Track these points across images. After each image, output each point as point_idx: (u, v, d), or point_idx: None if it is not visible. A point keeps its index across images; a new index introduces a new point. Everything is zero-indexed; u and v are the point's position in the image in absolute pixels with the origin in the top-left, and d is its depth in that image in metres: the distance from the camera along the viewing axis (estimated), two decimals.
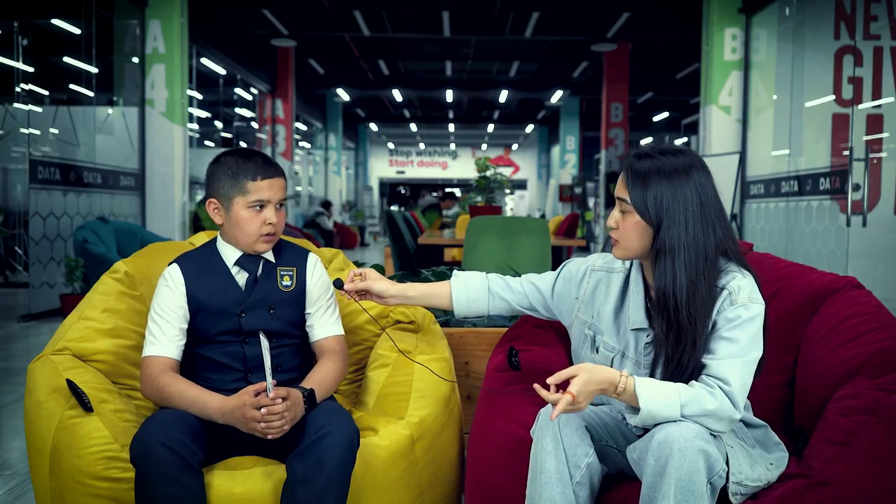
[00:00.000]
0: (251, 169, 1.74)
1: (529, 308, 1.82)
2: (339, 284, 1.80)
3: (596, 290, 1.69)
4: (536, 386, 1.42)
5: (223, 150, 1.86)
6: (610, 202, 11.04)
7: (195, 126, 11.32)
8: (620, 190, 1.53)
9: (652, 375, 1.53)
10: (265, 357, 1.53)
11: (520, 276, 1.87)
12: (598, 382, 1.41)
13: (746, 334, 1.45)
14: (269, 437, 1.54)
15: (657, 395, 1.40)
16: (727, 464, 1.41)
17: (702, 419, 1.39)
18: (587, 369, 1.41)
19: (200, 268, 1.80)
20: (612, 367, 1.62)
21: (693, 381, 1.44)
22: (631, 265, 1.65)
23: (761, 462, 1.51)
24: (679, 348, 1.47)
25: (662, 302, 1.48)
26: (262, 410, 1.51)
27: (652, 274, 1.54)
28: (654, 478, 1.35)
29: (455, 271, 1.88)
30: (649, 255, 1.53)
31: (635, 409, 1.42)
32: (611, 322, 1.63)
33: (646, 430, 1.54)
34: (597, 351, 1.65)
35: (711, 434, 1.39)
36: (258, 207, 1.74)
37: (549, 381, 1.42)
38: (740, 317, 1.45)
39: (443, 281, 1.88)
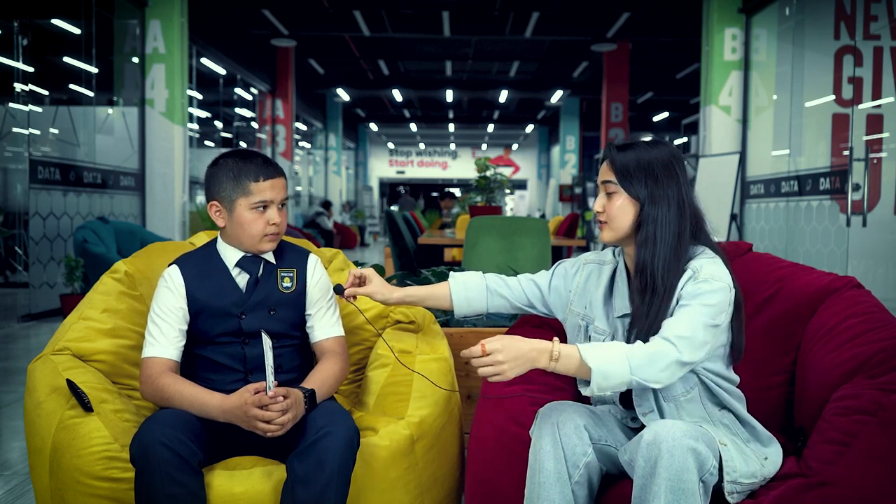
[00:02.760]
0: (252, 170, 1.74)
1: (527, 304, 1.84)
2: (339, 290, 1.82)
3: (588, 281, 1.74)
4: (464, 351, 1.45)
5: (223, 150, 1.86)
6: None
7: (195, 126, 11.31)
8: (605, 174, 1.61)
9: None
10: (267, 356, 1.54)
11: (518, 276, 1.89)
12: (521, 349, 1.41)
13: (701, 301, 1.49)
14: (269, 435, 1.54)
15: (601, 353, 1.42)
16: (720, 463, 1.42)
17: (647, 367, 1.41)
18: (512, 337, 1.43)
19: (200, 269, 1.79)
20: None
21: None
22: (619, 258, 1.70)
23: (755, 457, 1.51)
24: (651, 308, 1.53)
25: (641, 270, 1.56)
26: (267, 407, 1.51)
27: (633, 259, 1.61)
28: (644, 479, 1.35)
29: (452, 273, 1.90)
30: (633, 235, 1.60)
31: (586, 382, 1.44)
32: (601, 308, 1.68)
33: (638, 430, 1.55)
34: (589, 339, 1.68)
35: (701, 432, 1.40)
36: (261, 208, 1.74)
37: (478, 344, 1.44)
38: (699, 289, 1.51)
39: (441, 283, 1.90)
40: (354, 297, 1.84)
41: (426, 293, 1.87)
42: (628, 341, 1.57)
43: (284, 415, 1.54)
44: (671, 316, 1.52)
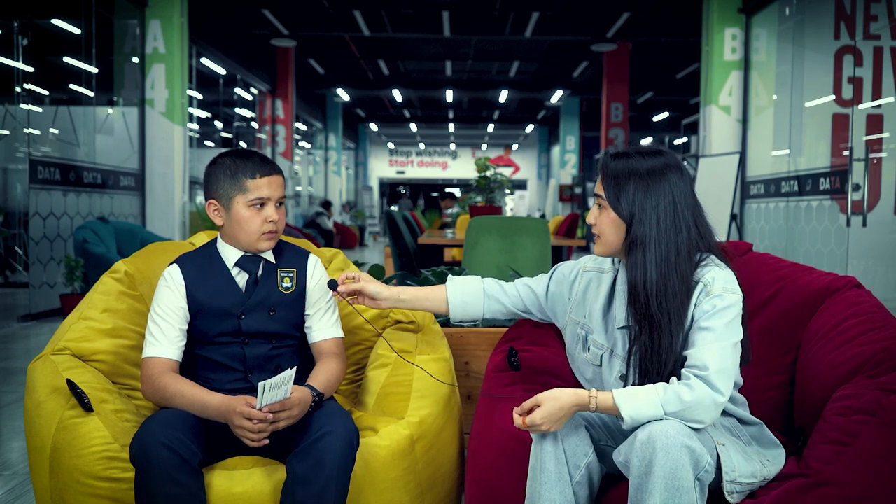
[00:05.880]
0: (249, 167, 1.74)
1: (524, 310, 1.83)
2: (333, 285, 1.80)
3: (587, 290, 1.72)
4: (515, 412, 1.46)
5: (223, 150, 1.87)
6: None
7: (195, 126, 11.31)
8: (598, 187, 1.59)
9: (636, 370, 1.54)
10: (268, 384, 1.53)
11: (520, 276, 1.88)
12: (563, 408, 1.43)
13: (722, 321, 1.46)
14: (252, 445, 1.54)
15: (637, 401, 1.41)
16: (719, 462, 1.42)
17: (685, 413, 1.39)
18: (552, 398, 1.43)
19: (200, 269, 1.80)
20: (600, 364, 1.64)
21: (673, 378, 1.45)
22: (619, 266, 1.67)
23: (756, 457, 1.51)
24: (654, 340, 1.49)
25: (634, 294, 1.52)
26: (253, 421, 1.51)
27: None
28: (640, 478, 1.35)
29: (450, 276, 1.88)
30: (625, 250, 1.56)
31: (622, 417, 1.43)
32: (600, 320, 1.65)
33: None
34: (588, 350, 1.67)
35: (694, 429, 1.40)
36: (258, 206, 1.75)
37: (515, 412, 1.46)
38: (715, 306, 1.48)
39: (438, 285, 1.88)
40: (353, 299, 1.82)
41: (421, 294, 1.84)
42: (638, 361, 1.53)
43: (273, 424, 1.53)
44: (688, 336, 1.48)
